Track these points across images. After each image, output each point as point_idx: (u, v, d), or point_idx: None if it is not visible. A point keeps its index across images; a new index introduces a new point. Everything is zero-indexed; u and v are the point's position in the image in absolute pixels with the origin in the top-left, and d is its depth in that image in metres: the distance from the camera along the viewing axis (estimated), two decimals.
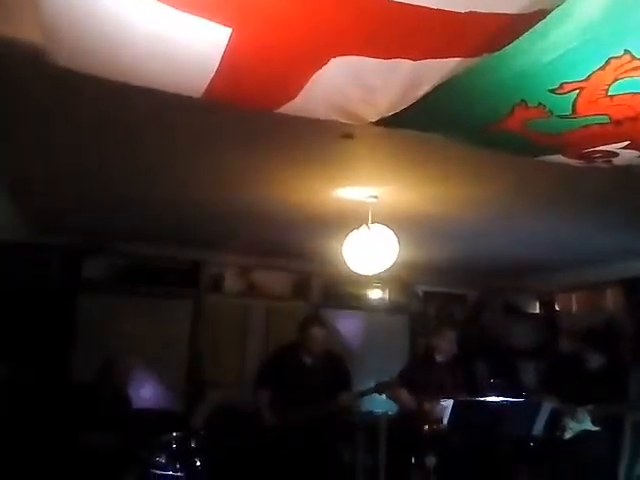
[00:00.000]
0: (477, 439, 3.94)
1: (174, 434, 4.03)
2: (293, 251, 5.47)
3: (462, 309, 6.38)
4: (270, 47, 1.23)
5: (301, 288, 5.95)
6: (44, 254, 4.37)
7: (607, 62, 1.30)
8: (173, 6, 1.11)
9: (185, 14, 1.16)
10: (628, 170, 1.98)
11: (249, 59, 1.29)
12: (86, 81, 1.69)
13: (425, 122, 1.79)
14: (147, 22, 1.19)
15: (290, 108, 1.60)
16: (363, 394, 4.53)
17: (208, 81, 1.43)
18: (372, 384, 4.58)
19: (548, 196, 3.73)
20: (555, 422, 4.32)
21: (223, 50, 1.26)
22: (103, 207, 4.43)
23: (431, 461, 4.29)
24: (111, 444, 4.02)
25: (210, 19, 1.16)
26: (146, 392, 5.00)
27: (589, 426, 4.26)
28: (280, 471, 4.08)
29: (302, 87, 1.42)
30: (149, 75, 1.43)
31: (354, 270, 3.94)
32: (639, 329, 4.99)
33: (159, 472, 3.87)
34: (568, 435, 4.32)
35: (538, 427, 4.10)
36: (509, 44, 1.30)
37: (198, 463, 4.01)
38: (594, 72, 1.33)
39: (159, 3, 1.10)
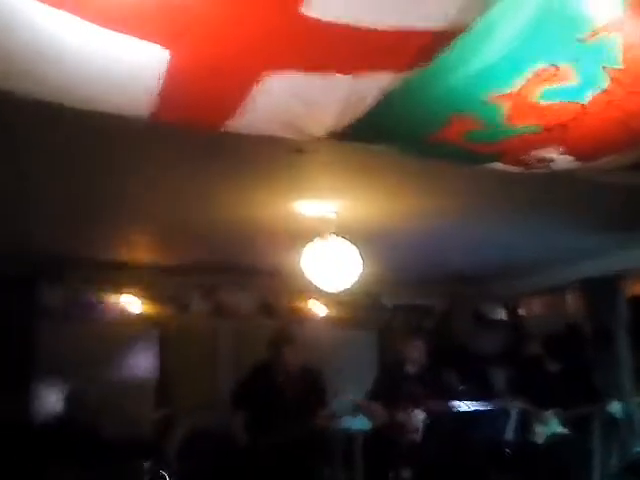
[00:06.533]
0: (452, 448, 3.96)
1: (145, 464, 3.96)
2: (258, 269, 5.46)
3: (430, 319, 6.45)
4: (205, 68, 1.25)
5: (267, 306, 5.93)
6: None
7: (532, 72, 1.37)
8: (101, 25, 1.11)
9: (116, 33, 1.15)
10: (574, 174, 2.06)
11: (187, 81, 1.31)
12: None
13: (369, 134, 1.84)
14: (76, 41, 1.16)
15: (233, 126, 1.61)
16: (339, 414, 4.50)
17: (153, 102, 1.43)
18: (344, 401, 4.55)
19: (504, 204, 3.82)
20: (524, 426, 4.38)
21: (164, 72, 1.27)
22: (60, 232, 4.35)
23: (408, 474, 4.29)
24: (79, 477, 3.92)
25: (143, 38, 1.17)
26: (115, 422, 4.88)
27: (558, 429, 4.33)
28: None
29: (240, 105, 1.44)
30: (86, 96, 1.42)
31: (318, 286, 3.95)
32: (598, 329, 5.11)
33: None
34: (540, 439, 4.38)
35: (509, 432, 4.16)
36: (438, 57, 1.35)
37: None
38: (520, 82, 1.40)
39: (83, 21, 1.09)
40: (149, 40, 1.18)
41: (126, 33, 1.14)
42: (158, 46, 1.19)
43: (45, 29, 1.12)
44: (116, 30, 1.13)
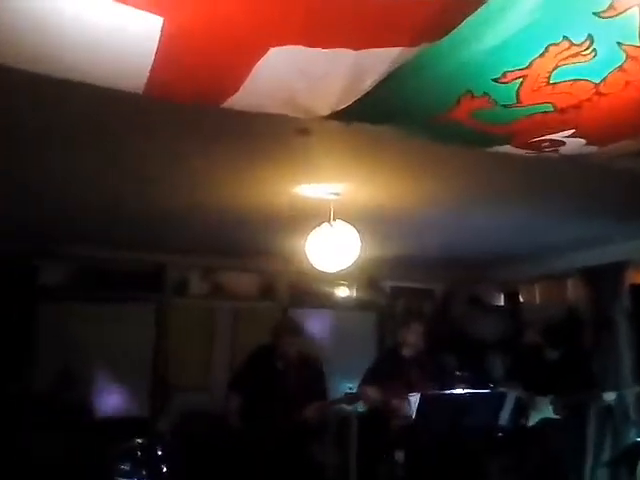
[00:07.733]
0: (445, 432, 3.95)
1: (139, 441, 3.96)
2: (258, 251, 5.42)
3: (429, 303, 6.43)
4: (205, 37, 1.19)
5: (267, 288, 5.90)
6: None
7: (546, 49, 1.31)
8: None
9: (115, 3, 1.12)
10: (583, 160, 2.00)
11: (185, 50, 1.25)
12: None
13: (375, 114, 1.78)
14: (76, 10, 1.13)
15: (235, 102, 1.56)
16: (333, 404, 4.51)
17: (147, 75, 1.38)
18: (342, 384, 4.55)
19: (507, 188, 3.77)
20: (520, 411, 4.39)
21: (157, 41, 1.21)
22: (59, 211, 4.32)
23: (400, 456, 4.30)
24: (73, 453, 3.92)
25: (140, 8, 1.12)
26: (110, 399, 4.89)
27: (550, 414, 4.34)
28: (250, 475, 4.04)
29: (244, 79, 1.38)
30: (83, 68, 1.37)
31: (318, 268, 3.93)
32: (599, 318, 5.09)
33: None
34: (531, 423, 4.39)
35: (504, 417, 4.16)
36: (449, 32, 1.29)
37: (164, 469, 3.96)
38: (534, 60, 1.34)
39: None
40: (140, 7, 1.13)
41: (123, 2, 1.09)
42: (149, 13, 1.14)
43: None
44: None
